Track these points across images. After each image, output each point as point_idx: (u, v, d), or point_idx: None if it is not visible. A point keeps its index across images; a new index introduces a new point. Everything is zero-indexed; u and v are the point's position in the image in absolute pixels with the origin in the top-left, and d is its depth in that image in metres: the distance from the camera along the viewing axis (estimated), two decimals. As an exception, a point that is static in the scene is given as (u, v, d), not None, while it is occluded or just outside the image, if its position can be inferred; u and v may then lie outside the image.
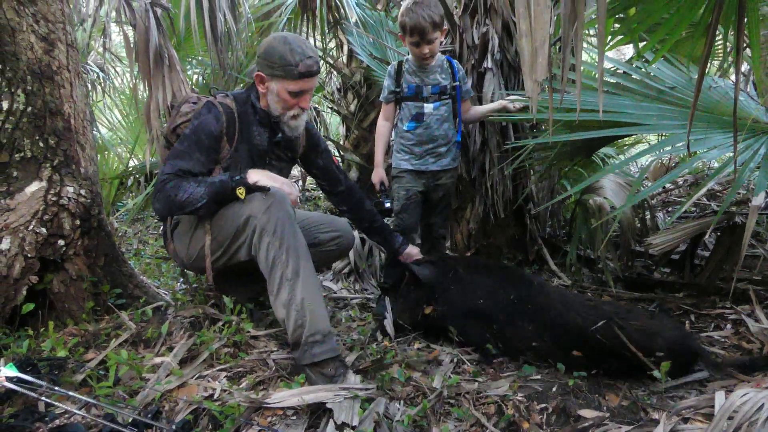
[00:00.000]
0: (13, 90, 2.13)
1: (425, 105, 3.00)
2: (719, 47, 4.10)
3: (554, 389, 2.00)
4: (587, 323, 2.14)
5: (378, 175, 3.11)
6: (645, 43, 2.85)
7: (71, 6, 2.55)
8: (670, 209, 5.02)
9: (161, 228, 2.48)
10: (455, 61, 3.09)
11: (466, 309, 2.44)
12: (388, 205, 2.96)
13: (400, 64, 3.04)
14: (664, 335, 2.10)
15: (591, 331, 2.10)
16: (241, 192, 2.15)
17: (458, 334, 2.46)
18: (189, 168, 2.16)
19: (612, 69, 3.12)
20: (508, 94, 3.31)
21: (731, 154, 2.09)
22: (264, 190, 2.14)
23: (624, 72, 2.98)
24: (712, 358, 2.19)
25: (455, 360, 2.32)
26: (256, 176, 2.19)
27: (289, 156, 2.55)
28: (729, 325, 2.56)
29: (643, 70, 2.85)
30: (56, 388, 1.63)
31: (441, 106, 3.02)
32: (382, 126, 3.13)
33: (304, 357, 1.99)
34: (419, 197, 3.13)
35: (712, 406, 1.74)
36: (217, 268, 2.29)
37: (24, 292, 2.11)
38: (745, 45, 2.51)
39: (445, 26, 2.97)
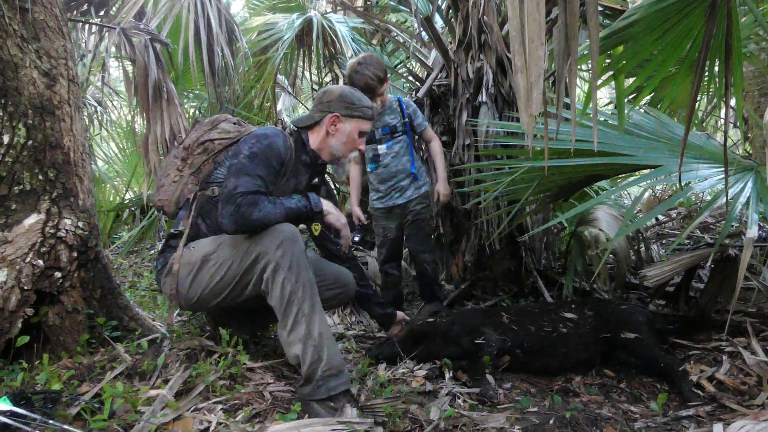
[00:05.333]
0: (14, 124, 2.15)
1: (378, 146, 3.32)
2: (706, 82, 4.18)
3: (551, 422, 1.99)
4: None
5: (354, 213, 3.48)
6: (634, 79, 2.91)
7: (72, 41, 2.59)
8: (664, 241, 5.05)
9: (156, 266, 2.43)
10: (404, 100, 3.37)
11: None
12: (356, 238, 3.13)
13: None
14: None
15: None
16: (316, 228, 2.30)
17: None
18: (261, 188, 2.15)
19: (603, 106, 3.18)
20: (502, 125, 3.40)
21: (722, 187, 2.13)
22: (334, 232, 2.36)
23: (612, 111, 3.05)
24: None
25: (451, 391, 2.31)
26: (328, 207, 2.31)
27: None
28: (725, 357, 2.56)
29: (629, 113, 2.92)
30: (50, 421, 1.62)
31: (394, 144, 3.31)
32: (352, 170, 3.50)
33: (318, 391, 1.98)
34: (395, 233, 3.45)
35: (711, 439, 1.74)
36: (222, 307, 2.27)
37: (19, 325, 2.10)
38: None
39: (388, 75, 3.26)
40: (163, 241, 2.44)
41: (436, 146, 3.43)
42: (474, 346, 2.55)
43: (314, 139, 2.46)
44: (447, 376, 2.48)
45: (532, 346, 2.62)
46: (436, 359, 2.62)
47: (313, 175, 2.51)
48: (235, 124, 2.47)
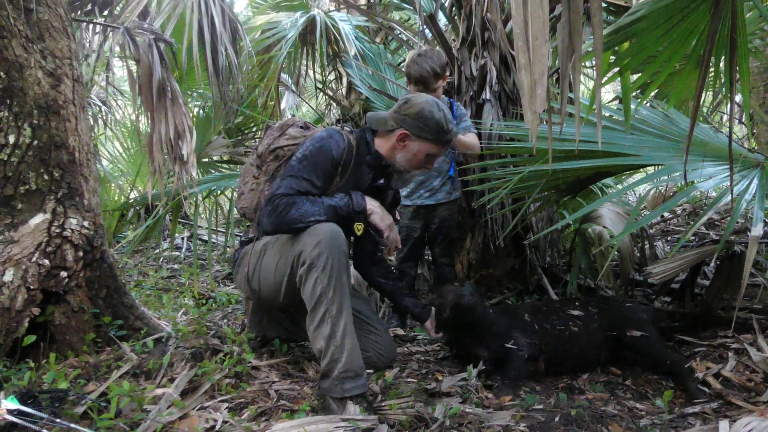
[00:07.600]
0: (19, 124, 2.16)
1: None
2: (711, 78, 4.17)
3: (557, 419, 1.99)
4: None
5: None
6: (639, 75, 2.90)
7: (77, 41, 2.59)
8: (669, 238, 5.03)
9: (233, 258, 2.52)
10: (456, 103, 3.33)
11: None
12: None
13: None
14: None
15: None
16: (359, 228, 2.24)
17: None
18: (305, 189, 2.16)
19: (609, 102, 3.18)
20: (506, 125, 3.40)
21: (727, 184, 2.12)
22: (377, 232, 2.30)
23: (618, 106, 3.04)
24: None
25: (458, 390, 2.30)
26: (372, 206, 2.28)
27: None
28: (731, 354, 2.55)
29: (635, 107, 2.91)
30: (57, 420, 1.62)
31: None
32: None
33: (334, 389, 1.99)
34: (419, 232, 3.40)
35: (717, 436, 1.73)
36: (287, 309, 2.35)
37: (26, 324, 2.11)
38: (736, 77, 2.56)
39: (447, 74, 3.22)
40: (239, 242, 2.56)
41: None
42: (505, 350, 2.54)
43: (382, 144, 2.37)
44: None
45: (553, 353, 2.59)
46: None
47: (377, 177, 2.42)
48: (302, 128, 2.44)
